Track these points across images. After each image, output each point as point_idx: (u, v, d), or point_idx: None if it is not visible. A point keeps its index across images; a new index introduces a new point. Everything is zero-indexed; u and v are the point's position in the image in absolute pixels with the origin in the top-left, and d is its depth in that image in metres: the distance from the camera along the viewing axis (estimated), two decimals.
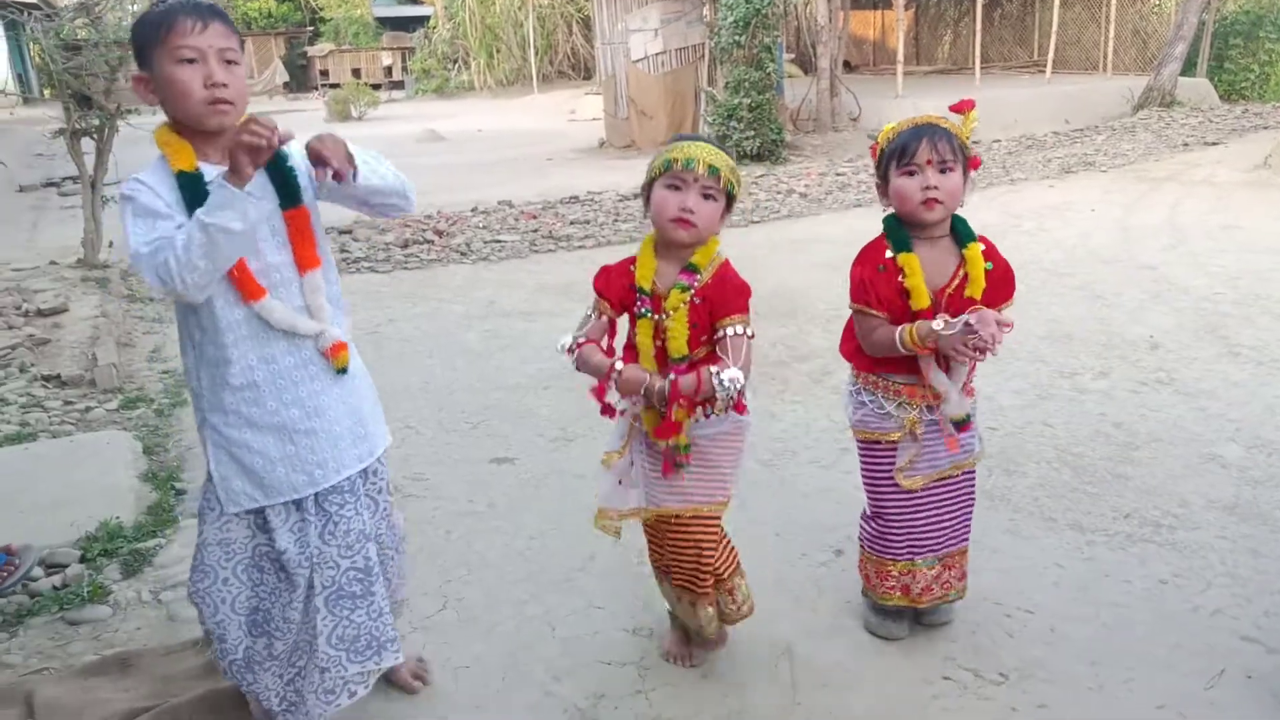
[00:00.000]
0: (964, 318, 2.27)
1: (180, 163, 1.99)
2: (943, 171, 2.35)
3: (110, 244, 7.67)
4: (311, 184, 2.12)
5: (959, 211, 2.46)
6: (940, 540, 2.62)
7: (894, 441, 2.53)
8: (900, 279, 2.39)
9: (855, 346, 2.56)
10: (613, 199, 10.31)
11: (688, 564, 2.44)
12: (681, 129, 13.79)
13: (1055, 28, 17.21)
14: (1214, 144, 12.40)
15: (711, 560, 2.44)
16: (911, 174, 2.37)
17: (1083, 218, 8.50)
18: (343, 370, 2.16)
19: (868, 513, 2.68)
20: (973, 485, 2.67)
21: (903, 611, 2.69)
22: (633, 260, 2.40)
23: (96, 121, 7.32)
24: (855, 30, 22.21)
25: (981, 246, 2.44)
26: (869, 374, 2.54)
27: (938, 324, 2.30)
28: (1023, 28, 21.17)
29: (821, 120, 14.03)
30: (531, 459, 4.04)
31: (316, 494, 2.15)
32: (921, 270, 2.39)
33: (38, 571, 3.13)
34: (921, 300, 2.38)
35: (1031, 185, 10.33)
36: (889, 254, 2.42)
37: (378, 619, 2.23)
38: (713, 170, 2.26)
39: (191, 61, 1.94)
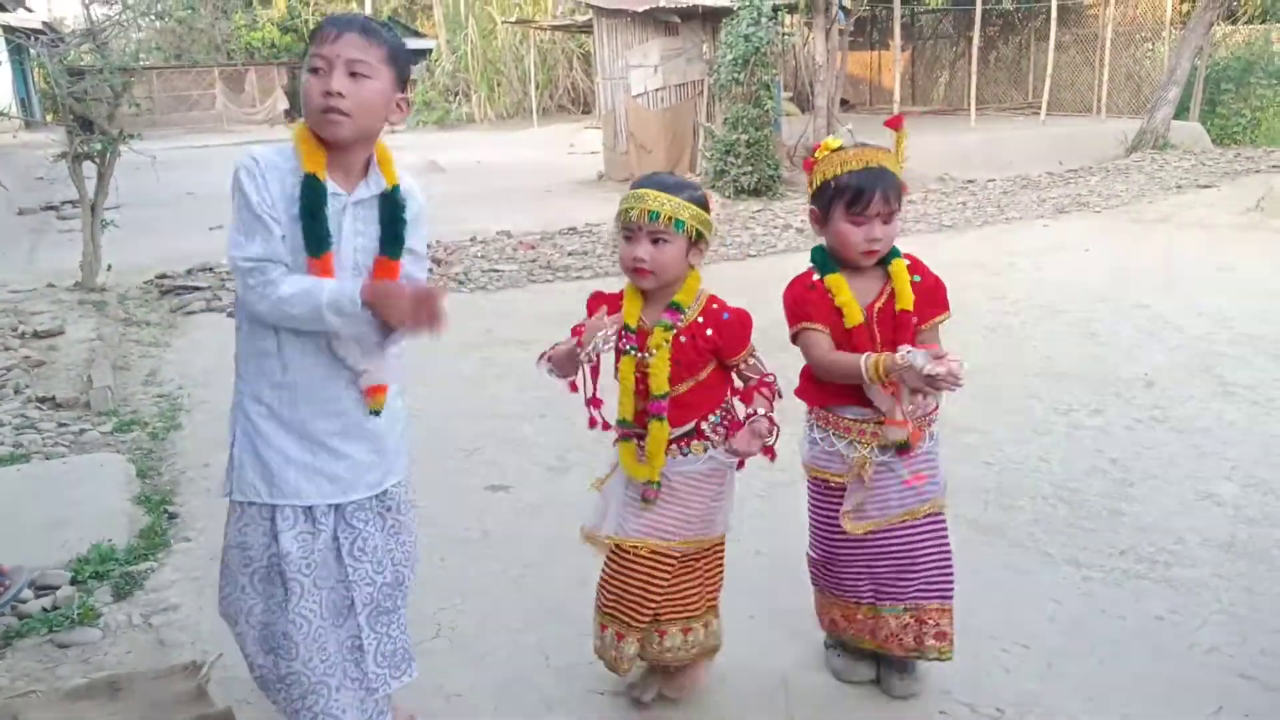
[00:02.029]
0: (918, 352, 2.21)
1: (311, 165, 1.98)
2: (886, 222, 2.38)
3: (109, 268, 7.69)
4: (408, 239, 2.13)
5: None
6: (907, 590, 2.49)
7: (841, 482, 2.48)
8: (830, 298, 2.42)
9: (805, 384, 2.54)
10: (610, 231, 10.35)
11: (632, 595, 2.39)
12: (680, 164, 13.89)
13: (1050, 70, 17.41)
14: (1207, 186, 12.50)
15: (655, 598, 2.40)
16: (859, 224, 2.37)
17: (1077, 257, 8.56)
18: (375, 412, 2.15)
19: (815, 556, 2.62)
20: (942, 534, 2.53)
21: (865, 653, 2.60)
22: (623, 295, 2.46)
23: (99, 146, 7.36)
24: (852, 70, 22.44)
25: (906, 262, 2.47)
26: (820, 409, 2.51)
27: (899, 356, 2.24)
28: (1018, 70, 21.41)
29: None
30: (527, 487, 4.03)
31: (340, 509, 2.13)
32: (850, 289, 2.41)
33: (27, 593, 3.10)
34: (854, 316, 2.39)
35: (1026, 224, 10.40)
36: (815, 277, 2.46)
37: (405, 632, 2.27)
38: (652, 215, 2.28)
39: (318, 70, 1.95)
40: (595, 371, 2.41)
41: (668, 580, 2.42)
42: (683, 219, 2.30)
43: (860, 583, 2.54)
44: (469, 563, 3.38)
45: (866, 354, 2.33)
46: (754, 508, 3.71)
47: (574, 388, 2.45)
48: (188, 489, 4.05)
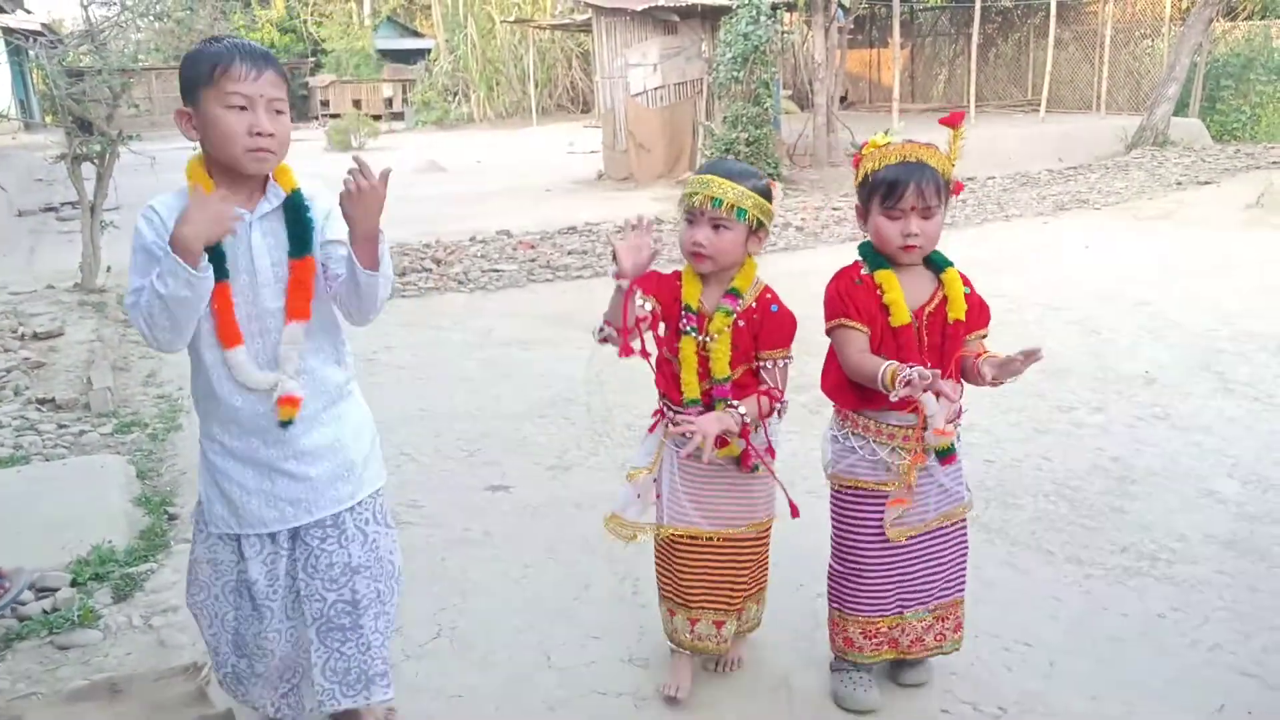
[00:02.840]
0: (927, 372, 2.15)
1: None
2: (925, 217, 2.31)
3: (108, 269, 7.68)
4: (323, 233, 2.12)
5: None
6: (931, 592, 2.50)
7: (885, 491, 2.40)
8: (879, 293, 2.34)
9: (837, 381, 2.43)
10: (610, 230, 10.35)
11: (721, 586, 2.52)
12: (679, 163, 13.89)
13: (1049, 68, 17.41)
14: (1207, 183, 12.50)
15: (746, 581, 2.54)
16: (894, 218, 2.33)
17: (1077, 254, 8.55)
18: (284, 424, 2.10)
19: (839, 570, 2.52)
20: (965, 535, 2.55)
21: (871, 678, 2.54)
22: (679, 275, 2.48)
23: (98, 147, 7.36)
24: (851, 68, 22.44)
25: (959, 272, 2.43)
26: (858, 414, 2.41)
27: (914, 376, 2.16)
28: (1017, 67, 21.40)
29: (818, 155, 14.14)
30: (528, 487, 4.02)
31: (296, 529, 2.17)
32: (901, 289, 2.34)
33: (27, 595, 3.10)
34: (902, 315, 2.31)
35: (1026, 222, 10.39)
36: (864, 271, 2.38)
37: (366, 652, 2.21)
38: (715, 202, 2.34)
39: (241, 109, 1.96)
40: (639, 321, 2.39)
41: (752, 561, 2.56)
42: (745, 207, 2.35)
43: (887, 593, 2.48)
44: (470, 563, 3.38)
45: (886, 365, 2.22)
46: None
47: (627, 350, 2.42)
48: (188, 490, 4.05)
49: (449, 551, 3.45)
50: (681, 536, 2.51)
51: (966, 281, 2.43)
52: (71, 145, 7.38)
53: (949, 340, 2.36)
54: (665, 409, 2.53)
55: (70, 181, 7.55)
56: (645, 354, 2.43)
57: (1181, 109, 16.58)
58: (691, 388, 2.42)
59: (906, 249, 2.33)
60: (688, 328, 2.42)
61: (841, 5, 13.87)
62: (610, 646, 2.85)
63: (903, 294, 2.33)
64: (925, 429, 2.31)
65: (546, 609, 3.07)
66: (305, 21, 34.35)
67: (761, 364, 2.43)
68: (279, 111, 2.01)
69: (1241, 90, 17.67)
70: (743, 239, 2.39)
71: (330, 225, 2.14)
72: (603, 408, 4.82)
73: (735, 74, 12.23)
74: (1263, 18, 19.81)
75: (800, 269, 8.20)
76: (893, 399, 2.18)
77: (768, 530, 2.59)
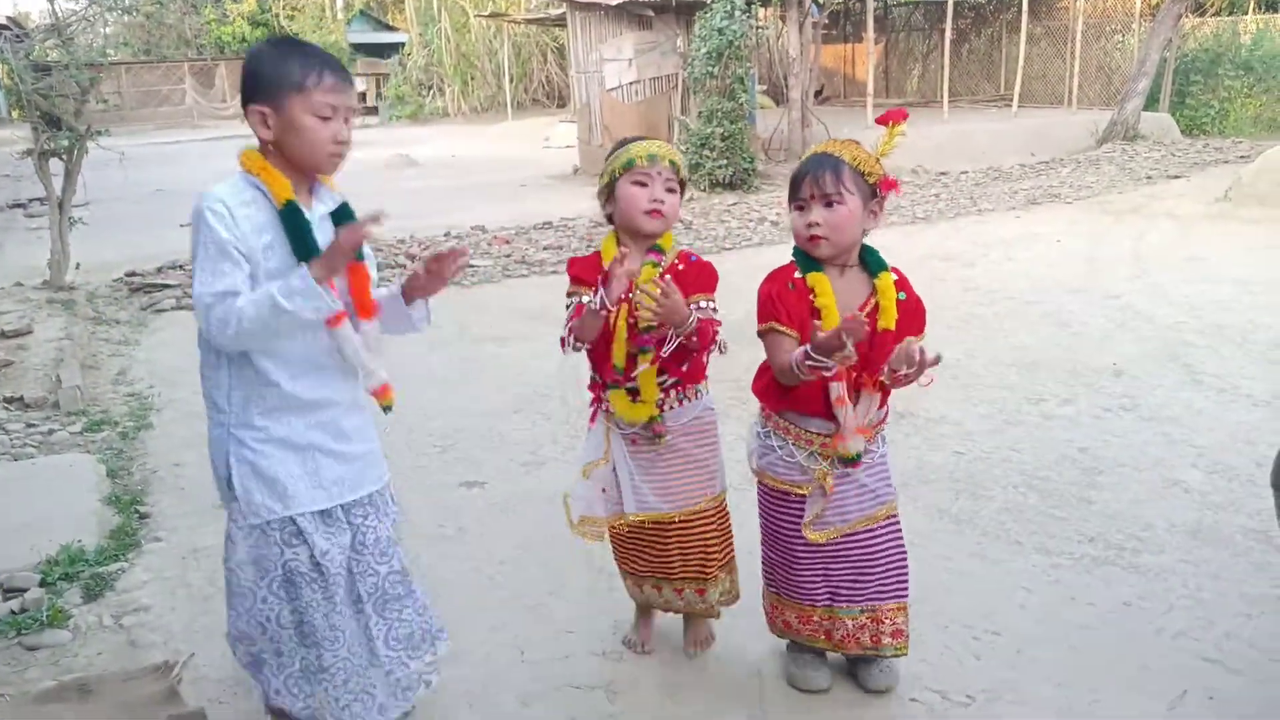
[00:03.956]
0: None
1: (283, 193, 2.07)
2: (828, 205, 2.29)
3: (77, 265, 7.60)
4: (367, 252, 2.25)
5: (869, 241, 2.41)
6: (863, 592, 2.47)
7: (803, 494, 2.43)
8: (811, 298, 2.33)
9: (767, 383, 2.46)
10: (586, 225, 10.35)
11: (694, 559, 2.59)
12: None
13: (1021, 62, 17.54)
14: (1176, 177, 12.64)
15: (717, 550, 2.62)
16: (800, 209, 2.34)
17: (1049, 248, 8.63)
18: (387, 409, 2.26)
19: (770, 556, 2.56)
20: (897, 536, 2.50)
21: (822, 658, 2.58)
22: (598, 255, 2.53)
23: (66, 142, 7.27)
24: (826, 62, 22.50)
25: (893, 277, 2.39)
26: (780, 415, 2.43)
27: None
28: (990, 62, 21.53)
29: (793, 150, 14.17)
30: (502, 483, 4.02)
31: (344, 508, 2.22)
32: (833, 292, 2.33)
33: None
34: (833, 320, 2.29)
35: (998, 216, 10.48)
36: (797, 274, 2.37)
37: (423, 613, 2.35)
38: (673, 165, 2.46)
39: (328, 119, 2.06)
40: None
41: (717, 532, 2.62)
42: (678, 163, 2.48)
43: (817, 586, 2.48)
44: (443, 560, 3.38)
45: (797, 350, 2.25)
46: (729, 500, 3.71)
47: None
48: (159, 488, 4.02)
49: (422, 549, 3.44)
50: (646, 522, 2.56)
51: (904, 285, 2.41)
52: (39, 141, 7.29)
53: (876, 348, 2.31)
54: (602, 393, 2.57)
55: (38, 177, 7.45)
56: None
57: (1152, 104, 16.75)
58: (619, 354, 2.46)
59: (811, 240, 2.32)
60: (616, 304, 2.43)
61: (815, 1, 13.90)
62: (584, 640, 2.86)
63: (834, 299, 2.32)
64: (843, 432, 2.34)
65: (520, 604, 3.08)
66: (277, 15, 34.03)
67: (694, 305, 2.40)
68: (348, 120, 2.14)
69: (1210, 85, 17.89)
70: (679, 203, 2.51)
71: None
72: (577, 403, 4.83)
73: (710, 69, 12.24)
74: (1230, 14, 20.06)
75: (774, 263, 8.16)
76: (832, 367, 2.21)
77: (724, 501, 2.68)
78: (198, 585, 3.24)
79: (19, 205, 12.42)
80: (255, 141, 2.11)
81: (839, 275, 2.38)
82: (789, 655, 2.64)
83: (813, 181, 2.29)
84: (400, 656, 2.30)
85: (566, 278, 2.59)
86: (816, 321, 2.34)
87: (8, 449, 4.39)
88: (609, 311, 2.38)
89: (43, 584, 3.18)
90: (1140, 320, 6.15)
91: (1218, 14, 20.17)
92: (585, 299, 2.42)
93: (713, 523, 2.62)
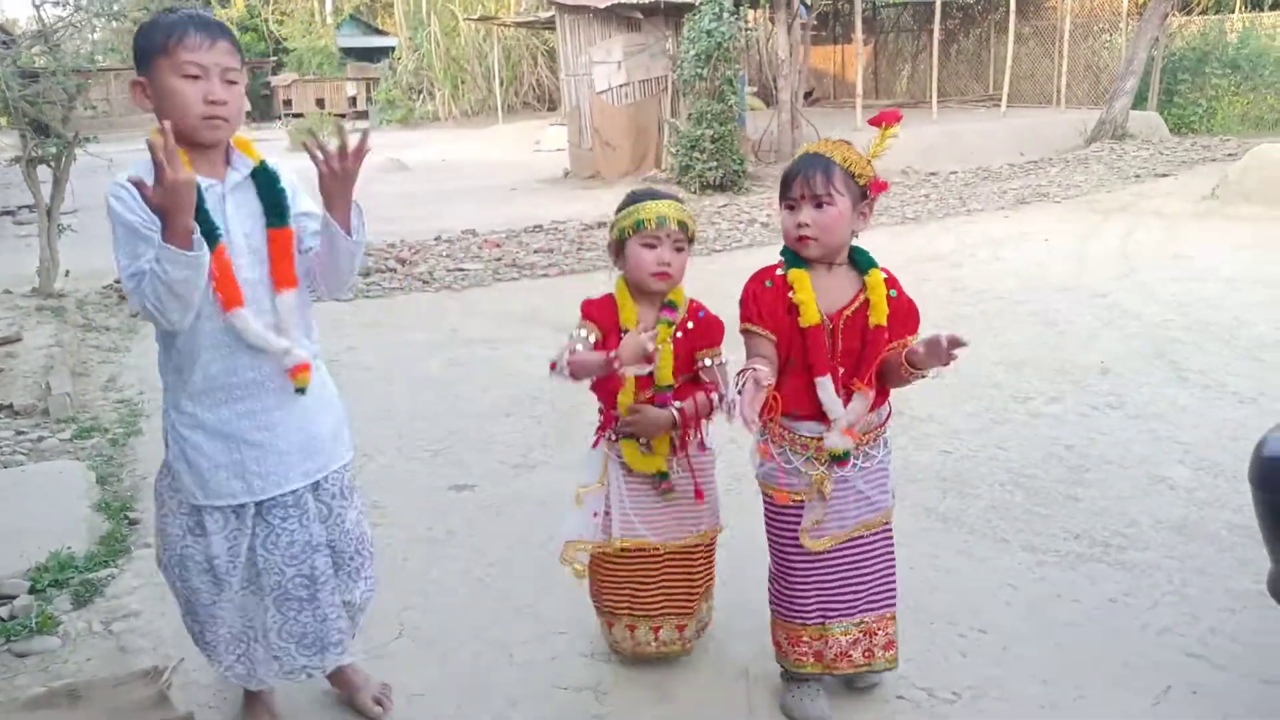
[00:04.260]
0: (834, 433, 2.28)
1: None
2: (818, 206, 2.29)
3: (67, 273, 7.59)
4: (294, 207, 2.20)
5: (858, 241, 2.40)
6: (855, 603, 2.45)
7: (800, 501, 2.40)
8: (789, 295, 2.31)
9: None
10: (576, 228, 10.36)
11: (678, 593, 2.62)
12: (645, 160, 13.91)
13: (1010, 62, 17.61)
14: (1164, 175, 12.71)
15: (701, 581, 2.66)
16: (790, 209, 2.34)
17: (1037, 247, 8.67)
18: (301, 390, 2.20)
19: (771, 571, 2.54)
20: (889, 545, 2.49)
21: (820, 684, 2.52)
22: (612, 299, 2.54)
23: (54, 149, 7.26)
24: (816, 64, 22.57)
25: (883, 275, 2.37)
26: (774, 423, 2.39)
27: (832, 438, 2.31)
28: (978, 62, 21.62)
29: (783, 151, 14.20)
30: (492, 486, 4.03)
31: (259, 505, 2.21)
32: (812, 289, 2.31)
33: None
34: (810, 316, 2.28)
35: (987, 215, 10.52)
36: (778, 273, 2.36)
37: (323, 623, 2.33)
38: (682, 226, 2.46)
39: (195, 78, 2.00)
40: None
41: (704, 566, 2.66)
42: (694, 230, 2.51)
43: (809, 602, 2.45)
44: (432, 562, 3.39)
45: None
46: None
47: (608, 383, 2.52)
48: (148, 494, 3.98)
49: (411, 551, 3.45)
50: (632, 549, 2.56)
51: (894, 284, 2.39)
52: (26, 148, 7.28)
53: (869, 346, 2.31)
54: (611, 423, 2.57)
55: (26, 185, 7.43)
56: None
57: (1140, 102, 16.84)
58: (628, 396, 2.47)
59: (801, 240, 2.31)
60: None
61: (804, 3, 13.94)
62: (572, 642, 2.87)
63: (813, 294, 2.30)
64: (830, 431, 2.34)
65: (509, 606, 3.09)
66: (266, 20, 34.03)
67: (699, 364, 2.51)
68: (232, 81, 2.06)
69: (1198, 84, 18.00)
70: (687, 260, 2.51)
71: (298, 199, 2.21)
72: (566, 406, 4.84)
73: (699, 71, 12.27)
74: (1217, 12, 20.16)
75: (764, 264, 8.25)
76: (734, 408, 2.21)
77: (714, 539, 2.68)
78: None
79: (8, 213, 12.39)
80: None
81: (827, 273, 2.36)
82: (784, 685, 2.57)
83: (803, 182, 2.29)
84: (290, 649, 2.34)
85: (559, 286, 2.57)
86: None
87: None
88: (618, 368, 2.35)
89: (32, 590, 3.18)
90: (1127, 318, 6.18)
91: (1204, 13, 20.28)
92: (585, 334, 2.44)
93: (698, 559, 2.63)
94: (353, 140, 2.06)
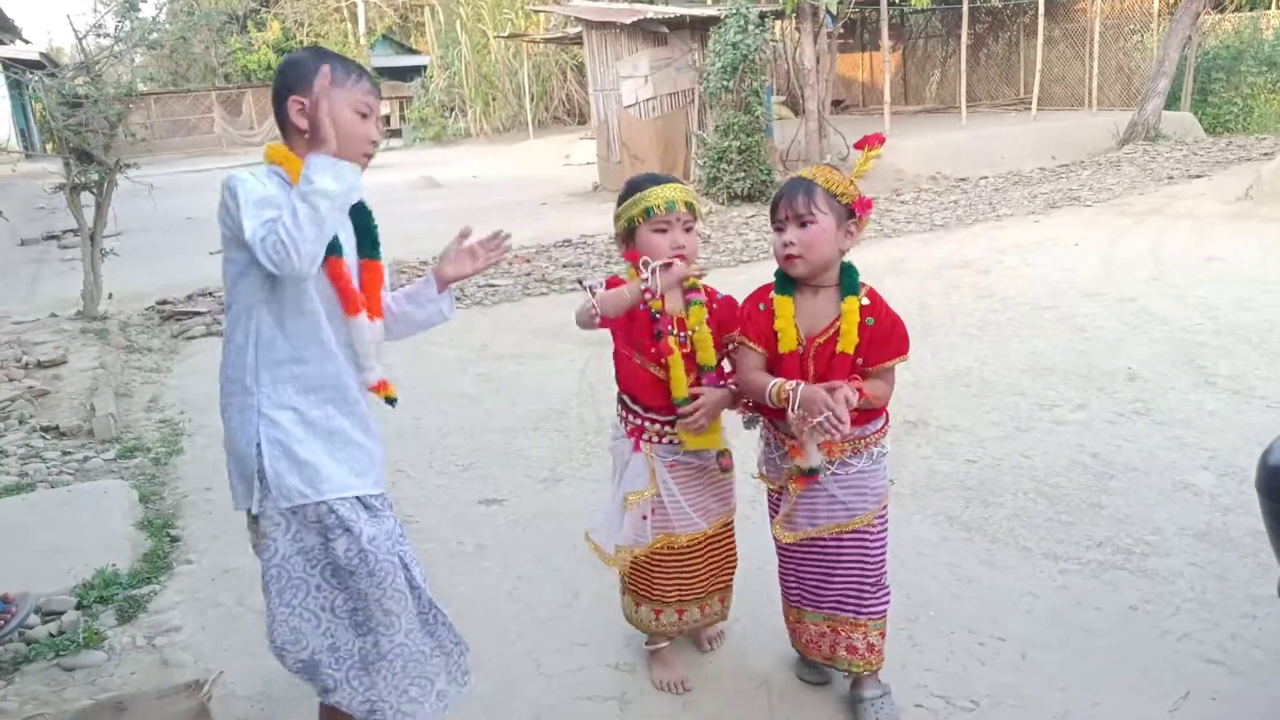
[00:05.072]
0: (800, 399, 2.31)
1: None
2: (802, 225, 2.38)
3: (110, 296, 7.80)
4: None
5: (849, 258, 2.47)
6: (823, 599, 2.56)
7: (775, 491, 2.59)
8: (774, 319, 2.45)
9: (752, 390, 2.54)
10: (605, 241, 10.46)
11: (725, 566, 2.77)
12: (673, 172, 13.99)
13: (1040, 65, 17.49)
14: (1198, 176, 12.57)
15: (733, 559, 2.80)
16: (779, 230, 2.44)
17: (1066, 252, 8.63)
18: (391, 401, 2.29)
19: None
20: (864, 552, 2.52)
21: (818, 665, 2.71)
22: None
23: (96, 176, 7.49)
24: (845, 71, 22.57)
25: (865, 301, 2.43)
26: (769, 420, 2.57)
27: (789, 389, 2.35)
28: (1008, 66, 21.50)
29: (810, 161, 14.22)
30: (521, 500, 4.12)
31: (375, 496, 2.23)
32: (793, 315, 2.43)
33: (34, 619, 3.20)
34: (788, 343, 2.41)
35: (1017, 220, 10.47)
36: (771, 294, 2.48)
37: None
38: (690, 207, 2.55)
39: (365, 116, 2.20)
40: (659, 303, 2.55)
41: (732, 542, 2.78)
42: (693, 204, 2.57)
43: (790, 585, 2.65)
44: (462, 576, 3.47)
45: (774, 381, 2.37)
46: (739, 513, 3.78)
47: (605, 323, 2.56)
48: (189, 512, 4.15)
49: (442, 565, 3.54)
50: (688, 542, 2.65)
51: (875, 309, 2.43)
52: (70, 175, 7.51)
53: (832, 371, 2.39)
54: (647, 424, 2.60)
55: (70, 210, 7.66)
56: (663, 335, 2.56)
57: (1173, 103, 16.66)
58: (681, 388, 2.52)
59: (788, 259, 2.42)
60: (667, 330, 2.53)
61: (829, 12, 13.96)
62: (598, 653, 2.94)
63: (792, 322, 2.42)
64: (801, 446, 2.41)
65: (536, 618, 3.16)
66: (301, 43, 34.57)
67: (728, 349, 2.59)
68: (378, 127, 2.26)
69: (1233, 82, 17.77)
70: (697, 239, 2.60)
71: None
72: (594, 419, 4.92)
73: (725, 83, 12.33)
74: (1251, 9, 19.89)
75: None
76: (792, 419, 2.32)
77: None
78: (228, 605, 3.35)
79: (53, 237, 12.73)
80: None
81: (812, 295, 2.47)
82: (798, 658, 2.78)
83: (787, 204, 2.41)
84: (460, 639, 2.36)
85: (589, 294, 2.61)
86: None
87: (44, 476, 4.54)
88: (651, 296, 2.47)
89: (79, 607, 3.31)
90: (1155, 323, 6.15)
91: (1238, 10, 20.01)
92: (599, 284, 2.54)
93: (732, 534, 2.78)
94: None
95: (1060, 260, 8.29)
